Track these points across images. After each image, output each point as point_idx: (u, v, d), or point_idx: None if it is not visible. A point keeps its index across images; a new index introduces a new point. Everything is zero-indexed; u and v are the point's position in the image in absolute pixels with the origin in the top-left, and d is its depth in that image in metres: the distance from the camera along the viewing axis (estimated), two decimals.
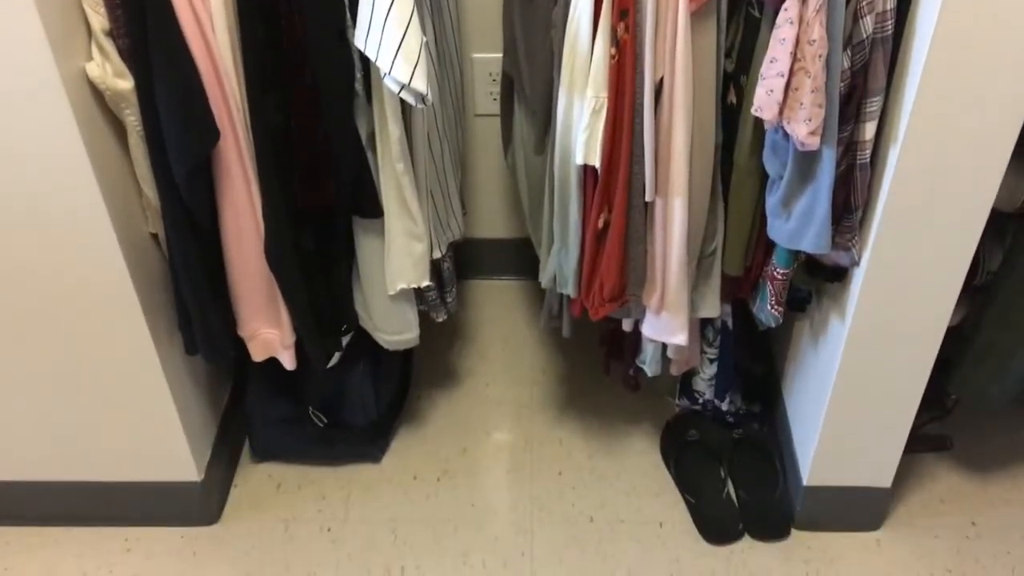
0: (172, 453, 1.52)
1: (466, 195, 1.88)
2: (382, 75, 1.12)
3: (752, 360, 1.76)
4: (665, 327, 1.37)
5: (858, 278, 1.27)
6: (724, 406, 1.71)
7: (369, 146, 1.29)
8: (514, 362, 1.94)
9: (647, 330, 1.41)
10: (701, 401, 1.71)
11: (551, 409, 1.83)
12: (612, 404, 1.82)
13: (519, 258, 2.08)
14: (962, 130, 1.10)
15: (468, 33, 1.73)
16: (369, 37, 1.10)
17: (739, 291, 1.41)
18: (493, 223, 2.03)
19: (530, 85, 1.43)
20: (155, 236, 1.35)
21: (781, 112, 1.10)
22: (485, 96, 1.82)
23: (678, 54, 1.12)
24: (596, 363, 1.73)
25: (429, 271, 1.42)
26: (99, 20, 1.12)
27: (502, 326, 2.02)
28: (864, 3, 1.06)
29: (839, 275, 1.33)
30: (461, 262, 1.90)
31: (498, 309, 2.06)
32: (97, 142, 1.18)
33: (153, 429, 1.48)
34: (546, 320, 1.51)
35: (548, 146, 1.31)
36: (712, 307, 1.42)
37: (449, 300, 1.57)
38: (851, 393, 1.39)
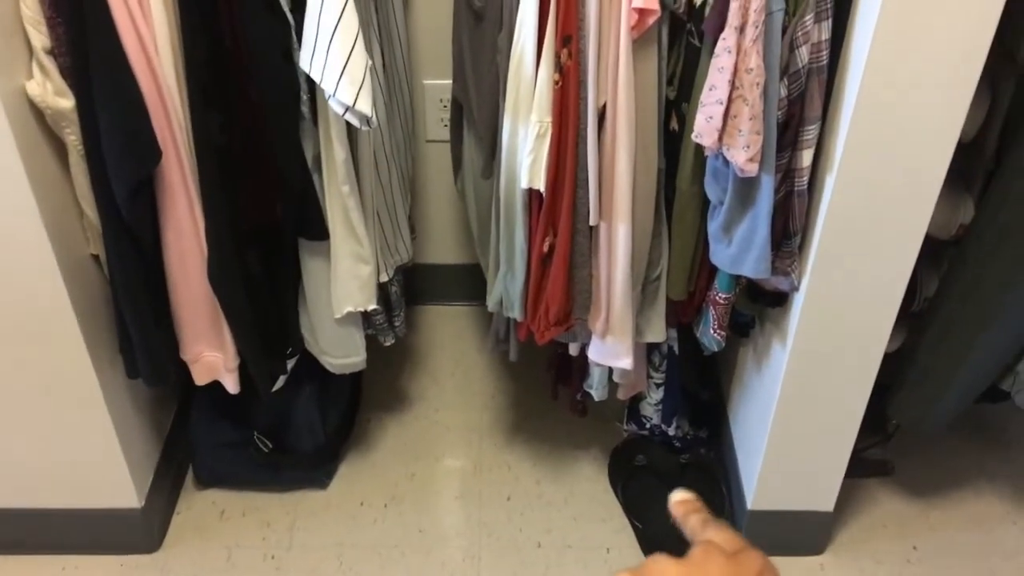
0: (112, 479, 1.48)
1: (416, 220, 1.88)
2: (327, 97, 1.12)
3: (699, 385, 1.77)
4: (611, 351, 1.38)
5: (797, 303, 1.29)
6: (671, 431, 1.72)
7: (315, 168, 1.29)
8: (464, 386, 1.93)
9: (593, 354, 1.42)
10: (648, 426, 1.72)
11: (501, 434, 1.83)
12: (561, 429, 1.82)
13: (469, 283, 2.08)
14: (896, 158, 1.13)
15: (419, 59, 1.75)
16: (314, 59, 1.10)
17: (683, 315, 1.43)
18: (444, 248, 2.04)
19: (478, 110, 1.45)
20: (96, 257, 1.33)
21: (720, 139, 1.12)
22: (436, 122, 1.83)
23: (620, 80, 1.13)
24: (544, 389, 1.73)
25: (376, 294, 1.42)
26: (40, 38, 1.11)
27: (453, 351, 2.02)
28: (800, 33, 1.09)
29: (780, 300, 1.35)
30: (412, 287, 1.90)
31: (449, 334, 2.06)
32: (36, 161, 1.17)
33: (93, 455, 1.45)
34: (493, 344, 1.51)
35: (495, 170, 1.32)
36: (658, 332, 1.44)
37: (397, 324, 1.56)
38: (792, 417, 1.40)
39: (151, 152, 1.13)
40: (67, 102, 1.14)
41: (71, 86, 1.13)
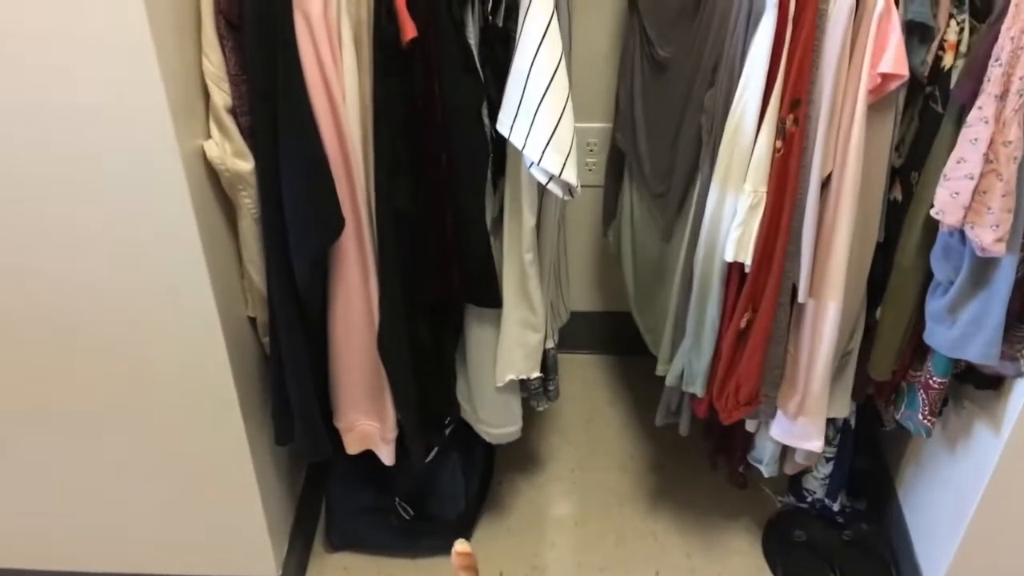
0: (252, 546, 1.41)
1: None
2: (528, 165, 1.03)
3: (858, 453, 1.65)
4: (800, 432, 1.27)
5: (1021, 390, 1.17)
6: (834, 506, 1.60)
7: (492, 232, 1.19)
8: (599, 445, 1.83)
9: (777, 434, 1.30)
10: (810, 499, 1.60)
11: (643, 500, 1.72)
12: (706, 496, 1.71)
13: (600, 331, 1.99)
14: None
15: None
16: (517, 124, 1.01)
17: (878, 394, 1.31)
18: (576, 296, 1.93)
19: (651, 165, 1.35)
20: (252, 320, 1.26)
21: (965, 216, 1.00)
22: (580, 166, 1.72)
23: (851, 149, 1.03)
24: (684, 449, 1.63)
25: (540, 362, 1.32)
26: (222, 96, 1.03)
27: (585, 404, 1.91)
28: None
29: (994, 383, 1.22)
30: None
31: (579, 385, 1.96)
32: (208, 222, 1.09)
33: (236, 520, 1.38)
34: (663, 417, 1.40)
35: (683, 236, 1.22)
36: (843, 407, 1.32)
37: (551, 388, 1.47)
38: (999, 510, 1.28)
39: (336, 221, 1.05)
40: (246, 164, 1.06)
41: (252, 147, 1.05)
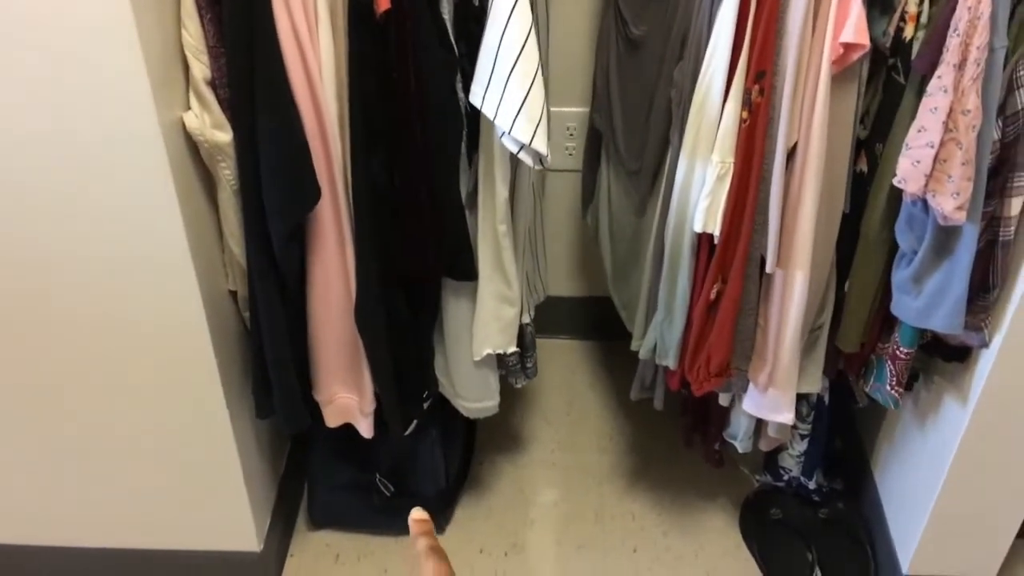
0: (235, 521, 1.43)
1: None
2: (500, 134, 1.05)
3: (835, 433, 1.67)
4: (771, 404, 1.29)
5: (986, 360, 1.19)
6: (810, 484, 1.62)
7: (467, 206, 1.21)
8: (579, 427, 1.85)
9: (749, 406, 1.32)
10: (787, 478, 1.62)
11: (621, 479, 1.74)
12: (684, 476, 1.73)
13: (581, 317, 2.01)
14: None
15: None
16: (488, 94, 1.03)
17: (849, 368, 1.33)
18: (556, 281, 1.95)
19: (626, 143, 1.37)
20: (232, 294, 1.28)
21: (926, 184, 1.03)
22: (559, 151, 1.75)
23: (815, 119, 1.05)
24: (663, 430, 1.65)
25: (516, 336, 1.34)
26: (201, 68, 1.05)
27: (565, 388, 1.94)
28: (1021, 73, 0.99)
29: (961, 355, 1.25)
30: None
31: (560, 370, 1.98)
32: (188, 194, 1.11)
33: (218, 496, 1.39)
34: (638, 391, 1.42)
35: (656, 210, 1.24)
36: (814, 382, 1.34)
37: (529, 365, 1.48)
38: (967, 482, 1.30)
39: (312, 192, 1.07)
40: (225, 136, 1.08)
41: (231, 119, 1.07)
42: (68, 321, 1.20)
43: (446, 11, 1.08)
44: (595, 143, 1.52)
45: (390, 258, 1.17)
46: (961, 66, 0.98)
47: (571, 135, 1.72)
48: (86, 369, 1.25)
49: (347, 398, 1.32)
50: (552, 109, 1.68)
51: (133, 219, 1.10)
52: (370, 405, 1.32)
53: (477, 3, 1.09)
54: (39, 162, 1.05)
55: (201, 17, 1.03)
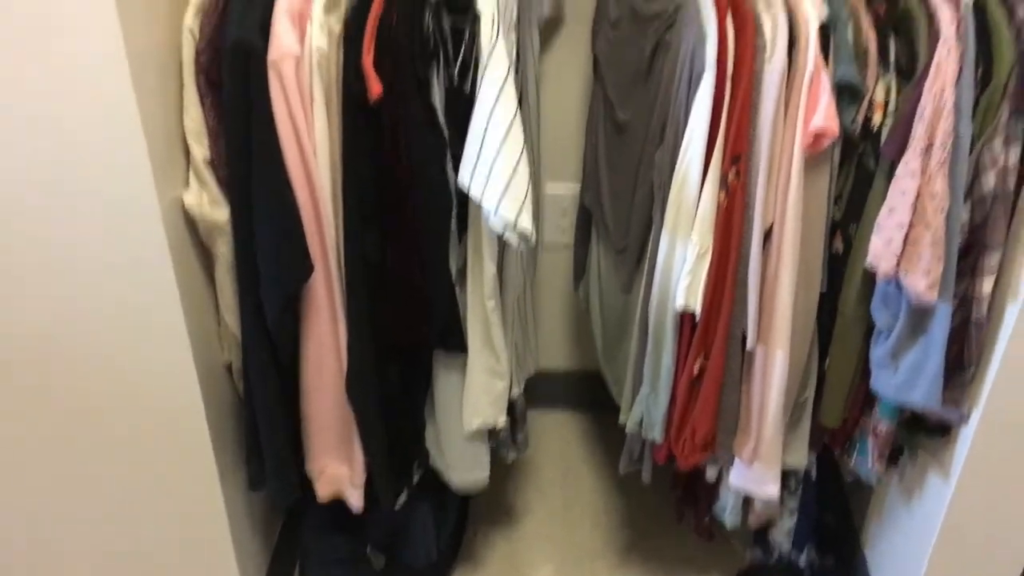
0: None
1: None
2: (486, 215, 1.09)
3: (825, 509, 1.68)
4: (756, 478, 1.30)
5: (966, 436, 1.21)
6: (801, 560, 1.62)
7: (457, 281, 1.25)
8: (573, 500, 1.86)
9: (735, 480, 1.34)
10: (777, 554, 1.62)
11: (614, 555, 1.74)
12: (676, 551, 1.73)
13: (576, 390, 2.03)
14: None
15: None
16: (475, 175, 1.08)
17: (833, 442, 1.35)
18: (549, 354, 1.98)
19: (614, 222, 1.41)
20: (227, 367, 1.31)
21: (898, 264, 1.06)
22: (554, 227, 1.80)
23: (790, 201, 1.09)
24: (656, 505, 1.66)
25: (506, 409, 1.37)
26: (201, 151, 1.10)
27: (558, 460, 1.95)
28: (987, 158, 1.04)
29: (943, 429, 1.26)
30: None
31: (555, 442, 1.99)
32: (185, 270, 1.15)
33: (207, 569, 1.39)
34: (626, 464, 1.44)
35: (642, 287, 1.27)
36: (800, 457, 1.36)
37: (519, 438, 1.50)
38: (954, 555, 1.31)
39: (304, 266, 1.11)
40: (222, 213, 1.12)
41: (228, 198, 1.12)
42: (62, 391, 1.21)
43: (437, 97, 1.13)
44: (586, 219, 1.56)
45: (382, 330, 1.20)
46: (928, 151, 1.02)
47: (564, 212, 1.77)
48: (77, 436, 1.26)
49: (338, 469, 1.34)
50: (548, 184, 1.76)
51: (131, 294, 1.13)
52: (360, 477, 1.33)
53: (468, 92, 1.14)
54: (40, 235, 1.09)
55: (202, 101, 1.09)
